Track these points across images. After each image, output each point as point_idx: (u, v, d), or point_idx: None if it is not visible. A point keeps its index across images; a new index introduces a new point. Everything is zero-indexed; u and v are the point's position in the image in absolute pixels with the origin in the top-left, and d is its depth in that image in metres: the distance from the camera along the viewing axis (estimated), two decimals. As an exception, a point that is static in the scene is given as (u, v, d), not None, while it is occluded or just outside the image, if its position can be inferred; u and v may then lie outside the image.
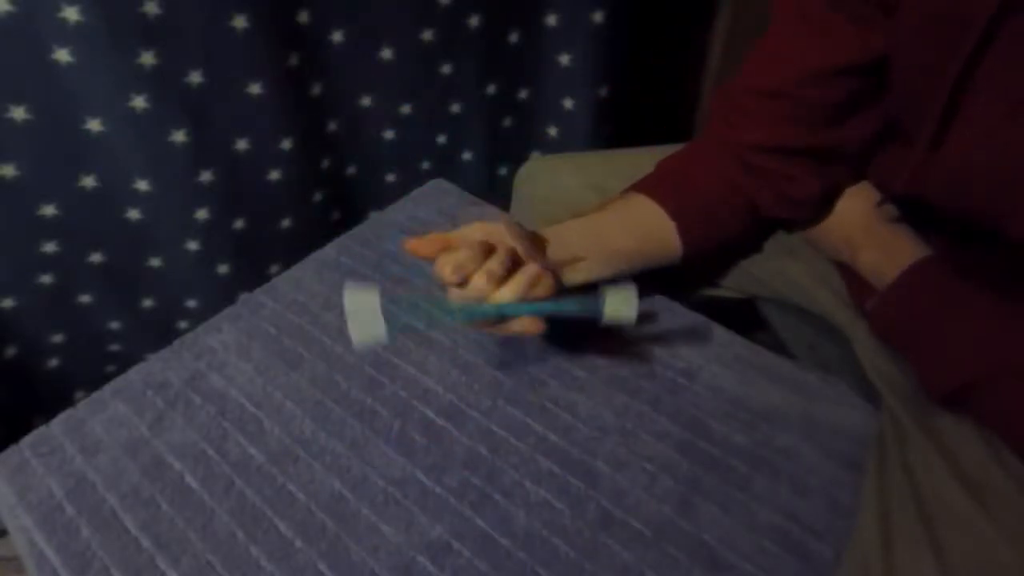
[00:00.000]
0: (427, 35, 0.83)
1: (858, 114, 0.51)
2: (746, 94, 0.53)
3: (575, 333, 0.60)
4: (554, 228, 0.52)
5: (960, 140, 0.41)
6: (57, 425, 0.53)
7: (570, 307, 0.44)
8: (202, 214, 0.81)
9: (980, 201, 0.41)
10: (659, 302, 0.63)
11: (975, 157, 0.40)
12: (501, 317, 0.44)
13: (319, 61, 0.80)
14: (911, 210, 0.51)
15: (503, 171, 1.05)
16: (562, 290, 0.49)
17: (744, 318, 0.66)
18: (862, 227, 0.54)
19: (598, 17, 0.88)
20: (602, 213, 0.55)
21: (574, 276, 0.51)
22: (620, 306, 0.43)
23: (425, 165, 0.98)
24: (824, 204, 0.56)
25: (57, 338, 0.88)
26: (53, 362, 0.90)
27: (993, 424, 0.43)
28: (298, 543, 0.46)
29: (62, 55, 0.64)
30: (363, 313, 0.41)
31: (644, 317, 0.61)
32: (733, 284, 0.66)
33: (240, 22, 0.70)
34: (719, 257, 0.63)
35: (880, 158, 0.54)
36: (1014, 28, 0.36)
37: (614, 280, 0.47)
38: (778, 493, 0.48)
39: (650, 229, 0.55)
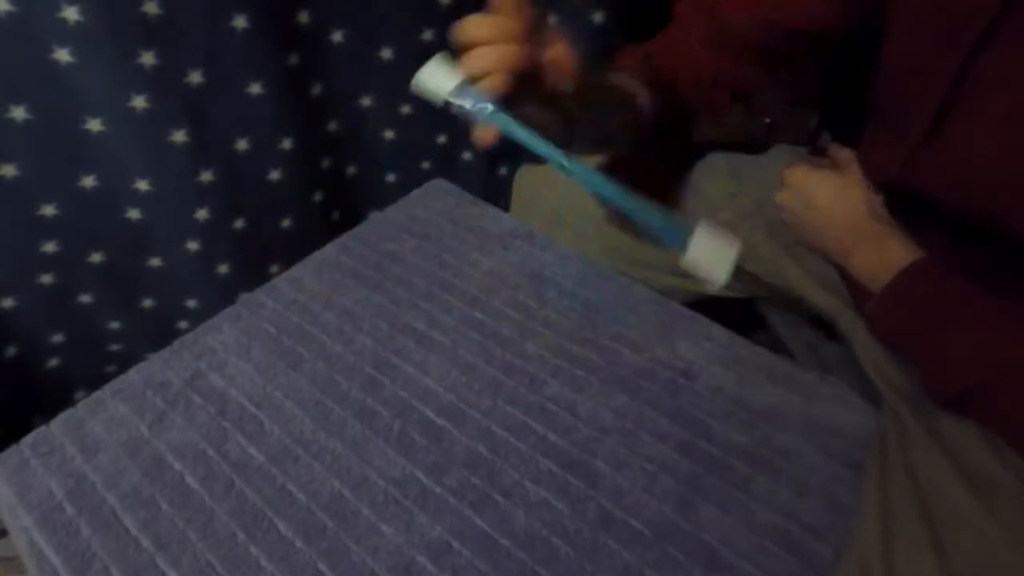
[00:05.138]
0: (427, 35, 0.83)
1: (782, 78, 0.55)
2: (710, 18, 0.55)
3: (575, 332, 0.60)
4: None
5: (962, 134, 0.40)
6: (57, 425, 0.53)
7: (650, 218, 0.37)
8: (202, 214, 0.81)
9: (984, 198, 0.41)
10: (659, 302, 0.63)
11: (978, 153, 0.40)
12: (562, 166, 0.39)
13: (319, 61, 0.80)
14: (908, 206, 0.51)
15: (503, 171, 1.05)
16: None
17: (744, 318, 0.66)
18: (853, 230, 0.53)
19: (598, 17, 0.88)
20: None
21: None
22: (710, 258, 0.36)
23: (425, 165, 0.98)
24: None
25: (57, 338, 0.88)
26: (53, 362, 0.90)
27: (996, 426, 0.43)
28: (298, 543, 0.46)
29: (62, 55, 0.64)
30: (441, 69, 0.37)
31: (643, 317, 0.62)
32: (733, 284, 0.65)
33: (240, 22, 0.70)
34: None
35: (868, 146, 0.53)
36: (1017, 23, 0.36)
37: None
38: (778, 493, 0.48)
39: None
